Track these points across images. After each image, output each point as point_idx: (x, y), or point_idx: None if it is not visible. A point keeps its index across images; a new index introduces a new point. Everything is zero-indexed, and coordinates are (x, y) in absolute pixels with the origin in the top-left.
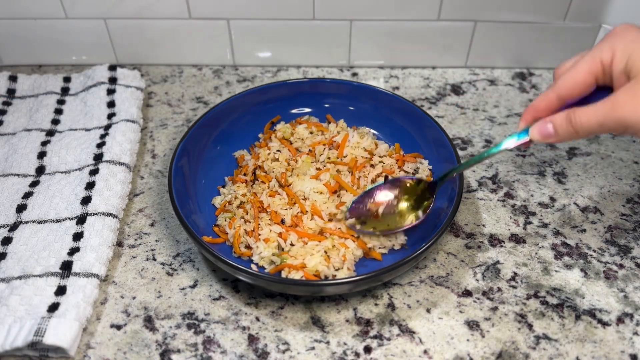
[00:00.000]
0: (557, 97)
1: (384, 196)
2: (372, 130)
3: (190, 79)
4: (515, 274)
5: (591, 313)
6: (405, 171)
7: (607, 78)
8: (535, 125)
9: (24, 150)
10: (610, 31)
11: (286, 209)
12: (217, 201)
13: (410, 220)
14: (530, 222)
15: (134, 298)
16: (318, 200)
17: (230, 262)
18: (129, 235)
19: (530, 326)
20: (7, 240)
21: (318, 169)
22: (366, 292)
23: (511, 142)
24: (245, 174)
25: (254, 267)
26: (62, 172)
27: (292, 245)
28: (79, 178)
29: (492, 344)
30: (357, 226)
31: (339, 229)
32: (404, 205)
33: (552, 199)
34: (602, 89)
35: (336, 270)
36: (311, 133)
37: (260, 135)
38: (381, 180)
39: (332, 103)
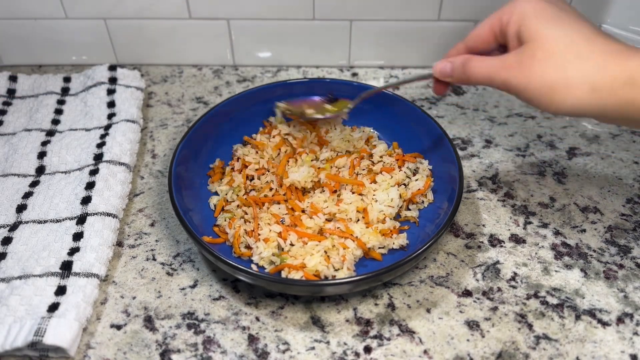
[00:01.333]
0: (465, 47)
1: (316, 102)
2: (373, 130)
3: (190, 79)
4: (515, 274)
5: (591, 313)
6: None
7: (503, 37)
8: (438, 62)
9: (24, 150)
10: None
11: (285, 214)
12: (214, 201)
13: (319, 115)
14: (530, 222)
15: (134, 298)
16: (317, 199)
17: (230, 262)
18: (129, 235)
19: (530, 326)
20: (7, 240)
21: (318, 168)
22: (366, 292)
23: (418, 75)
24: (235, 169)
25: (254, 267)
26: (62, 172)
27: (292, 245)
28: (79, 178)
29: (492, 344)
30: (282, 109)
31: (338, 228)
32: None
33: (552, 199)
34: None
35: (336, 270)
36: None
37: (256, 136)
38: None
39: None
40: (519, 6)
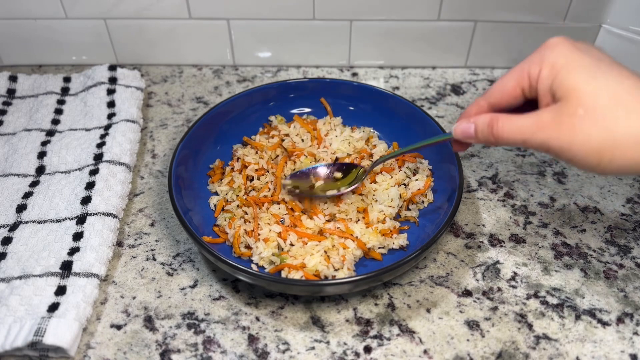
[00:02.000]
0: (487, 104)
1: (324, 173)
2: (373, 131)
3: (190, 79)
4: (515, 273)
5: (591, 313)
6: (406, 168)
7: (533, 92)
8: (460, 122)
9: (24, 150)
10: (544, 43)
11: (285, 214)
12: (214, 201)
13: (332, 192)
14: (530, 222)
15: (134, 298)
16: (318, 200)
17: (230, 262)
18: (129, 235)
19: (530, 326)
20: (7, 240)
21: None
22: (366, 292)
23: (438, 138)
24: (235, 169)
25: (254, 267)
26: (62, 172)
27: (291, 245)
28: (79, 178)
29: (492, 344)
30: (289, 187)
31: (338, 228)
32: (338, 183)
33: (552, 199)
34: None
35: (336, 270)
36: (302, 140)
37: (255, 137)
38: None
39: (332, 103)
40: (549, 57)
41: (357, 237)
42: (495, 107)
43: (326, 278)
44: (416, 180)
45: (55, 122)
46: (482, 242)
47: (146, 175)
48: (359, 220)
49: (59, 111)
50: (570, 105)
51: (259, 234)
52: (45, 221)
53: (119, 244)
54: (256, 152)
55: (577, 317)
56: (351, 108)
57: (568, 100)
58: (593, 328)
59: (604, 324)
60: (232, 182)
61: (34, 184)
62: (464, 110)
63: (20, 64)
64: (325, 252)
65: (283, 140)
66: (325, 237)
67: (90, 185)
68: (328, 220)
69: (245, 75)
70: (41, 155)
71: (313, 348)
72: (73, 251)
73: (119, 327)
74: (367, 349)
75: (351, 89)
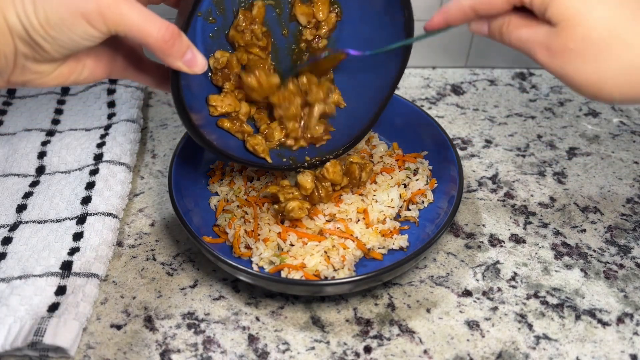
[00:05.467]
0: (471, 9)
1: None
2: (373, 131)
3: None
4: (515, 274)
5: (591, 313)
6: (406, 168)
7: (524, 5)
8: (474, 23)
9: (24, 150)
10: None
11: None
12: (214, 201)
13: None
14: (530, 222)
15: (134, 298)
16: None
17: (231, 262)
18: (129, 235)
19: (530, 326)
20: (7, 240)
21: None
22: (366, 292)
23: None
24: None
25: (254, 267)
26: (62, 172)
27: (291, 245)
28: (79, 178)
29: (492, 344)
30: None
31: (338, 228)
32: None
33: (552, 199)
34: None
35: (336, 270)
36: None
37: None
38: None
39: None
40: None
41: (357, 237)
42: (479, 14)
43: (326, 278)
44: (416, 180)
45: (55, 122)
46: (482, 242)
47: (146, 175)
48: (359, 220)
49: (59, 111)
50: (563, 35)
51: (258, 234)
52: (45, 221)
53: (119, 244)
54: None
55: (577, 317)
56: None
57: (560, 28)
58: (593, 328)
59: (604, 324)
60: (232, 183)
61: (34, 184)
62: (444, 9)
63: None
64: (325, 252)
65: None
66: (325, 238)
67: (90, 185)
68: (328, 221)
69: None
70: (41, 155)
71: (313, 348)
72: (73, 251)
73: (119, 327)
74: (367, 349)
75: None
